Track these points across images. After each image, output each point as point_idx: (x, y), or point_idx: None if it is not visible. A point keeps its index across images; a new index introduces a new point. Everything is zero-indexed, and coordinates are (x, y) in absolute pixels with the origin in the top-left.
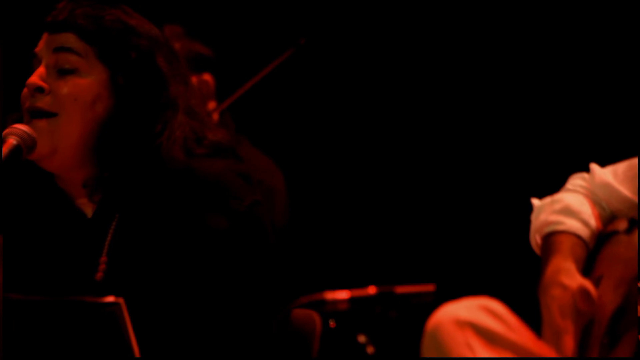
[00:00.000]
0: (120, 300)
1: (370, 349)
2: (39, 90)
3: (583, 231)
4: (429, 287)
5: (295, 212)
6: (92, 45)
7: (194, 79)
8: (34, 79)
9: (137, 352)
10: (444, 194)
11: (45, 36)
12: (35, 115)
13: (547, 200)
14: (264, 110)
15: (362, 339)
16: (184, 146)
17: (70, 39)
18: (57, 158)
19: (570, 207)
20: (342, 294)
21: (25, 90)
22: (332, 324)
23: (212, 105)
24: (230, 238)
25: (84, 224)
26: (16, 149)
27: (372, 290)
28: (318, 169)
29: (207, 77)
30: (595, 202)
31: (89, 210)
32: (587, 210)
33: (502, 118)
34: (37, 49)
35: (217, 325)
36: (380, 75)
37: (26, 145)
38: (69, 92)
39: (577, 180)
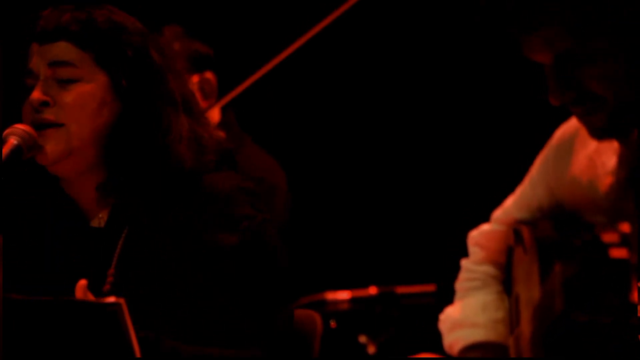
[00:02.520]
0: (121, 301)
1: (371, 349)
2: (44, 104)
3: (475, 335)
4: (430, 288)
5: (296, 211)
6: (88, 51)
7: (196, 78)
8: (37, 94)
9: (137, 352)
10: (446, 194)
11: (36, 47)
12: (43, 127)
13: (441, 317)
14: (266, 109)
15: (363, 339)
16: (189, 146)
17: (64, 49)
18: (70, 161)
19: (455, 321)
20: (343, 294)
21: (27, 107)
22: (333, 324)
23: (214, 103)
24: (240, 256)
25: (94, 235)
26: (17, 149)
27: (373, 290)
28: (320, 168)
29: (209, 75)
30: (474, 279)
31: (97, 220)
32: (469, 308)
33: (506, 119)
34: (31, 65)
35: (222, 342)
36: (382, 74)
37: (27, 145)
38: (74, 101)
39: (463, 274)
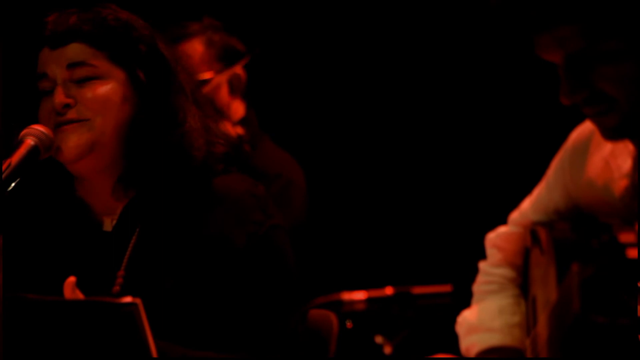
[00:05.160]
0: (138, 301)
1: (387, 350)
2: (67, 106)
3: (491, 339)
4: (446, 288)
5: (313, 212)
6: (102, 49)
7: (227, 73)
8: (59, 98)
9: (154, 352)
10: (463, 196)
11: (47, 52)
12: (67, 123)
13: (458, 320)
14: (286, 110)
15: (379, 339)
16: (201, 135)
17: (79, 50)
18: (91, 158)
19: (471, 325)
20: (359, 295)
21: (45, 111)
22: (349, 324)
23: (240, 99)
24: (248, 261)
25: (104, 237)
26: (33, 150)
27: (389, 290)
28: (337, 169)
29: (239, 70)
30: (491, 282)
31: (108, 222)
32: (485, 312)
33: (523, 121)
34: (45, 69)
35: (229, 344)
36: (405, 76)
37: (44, 146)
38: (96, 97)
39: (480, 277)
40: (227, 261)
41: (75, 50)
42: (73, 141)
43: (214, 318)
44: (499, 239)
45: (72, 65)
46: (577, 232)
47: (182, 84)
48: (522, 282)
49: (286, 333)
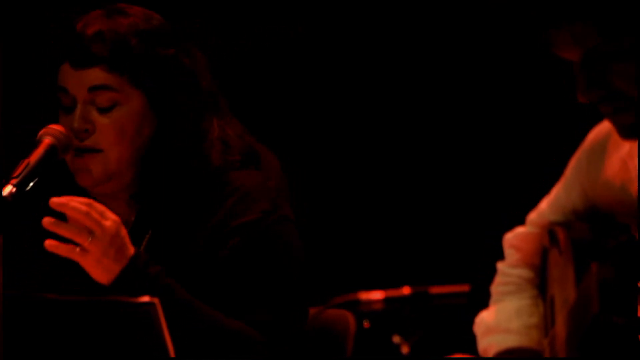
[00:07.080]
0: (156, 300)
1: (404, 349)
2: (85, 131)
3: (508, 341)
4: (464, 288)
5: (329, 212)
6: (124, 74)
7: None
8: (79, 123)
9: (172, 352)
10: (481, 194)
11: (68, 68)
12: (83, 151)
13: (476, 320)
14: (304, 109)
15: (396, 339)
16: (218, 146)
17: (101, 75)
18: (109, 185)
19: (488, 325)
20: (377, 294)
21: (64, 127)
22: (366, 324)
23: None
24: (252, 249)
25: None
26: (52, 149)
27: (406, 290)
28: (354, 168)
29: None
30: (509, 283)
31: (124, 222)
32: (503, 313)
33: (541, 121)
34: (66, 85)
35: (242, 337)
36: (403, 63)
37: (62, 146)
38: (114, 128)
39: (498, 278)
40: (233, 250)
41: (96, 75)
42: (89, 173)
43: (219, 306)
44: (516, 240)
45: (94, 89)
46: (595, 232)
47: (203, 97)
48: (540, 282)
49: (290, 323)
